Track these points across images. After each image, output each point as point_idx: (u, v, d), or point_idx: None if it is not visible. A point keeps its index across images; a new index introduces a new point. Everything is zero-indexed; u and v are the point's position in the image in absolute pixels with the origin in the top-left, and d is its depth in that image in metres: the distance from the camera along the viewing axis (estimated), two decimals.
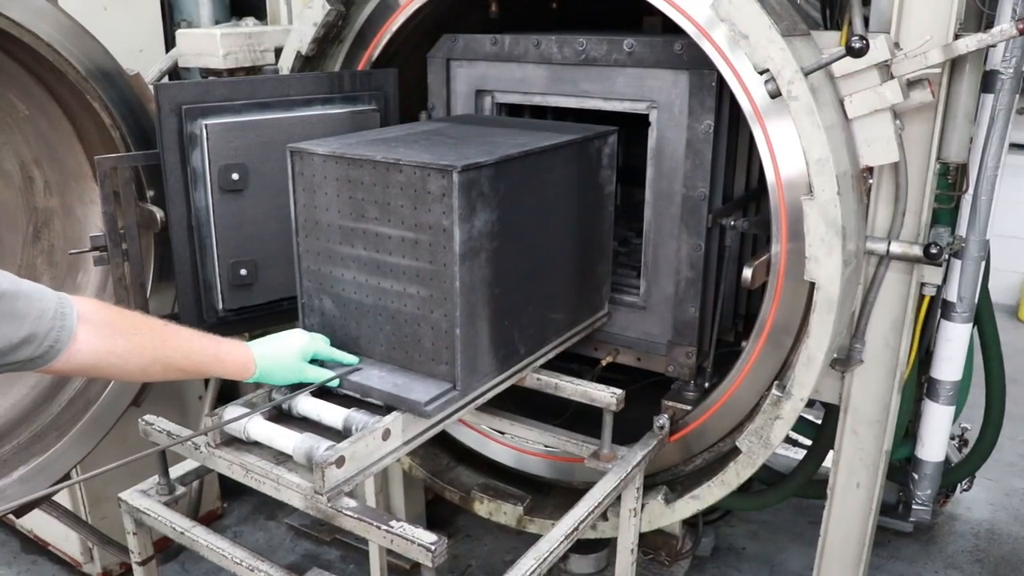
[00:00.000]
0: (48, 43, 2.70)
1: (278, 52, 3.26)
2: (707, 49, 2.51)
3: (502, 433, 3.35)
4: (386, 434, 2.18)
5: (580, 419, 3.07)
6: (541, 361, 2.74)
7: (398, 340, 2.39)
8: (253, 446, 2.24)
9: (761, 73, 2.30)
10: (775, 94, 2.28)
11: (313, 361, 2.34)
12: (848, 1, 2.73)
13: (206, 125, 2.74)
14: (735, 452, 2.72)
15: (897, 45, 2.47)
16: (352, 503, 2.05)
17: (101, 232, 2.82)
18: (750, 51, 2.28)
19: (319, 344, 2.37)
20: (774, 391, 2.55)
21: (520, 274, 2.49)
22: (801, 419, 3.97)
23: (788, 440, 3.81)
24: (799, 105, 2.26)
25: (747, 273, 2.57)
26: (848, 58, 2.29)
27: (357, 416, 2.23)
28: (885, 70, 2.47)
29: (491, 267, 2.33)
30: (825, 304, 2.37)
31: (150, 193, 3.01)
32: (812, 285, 2.44)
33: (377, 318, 2.41)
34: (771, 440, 2.58)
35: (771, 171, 2.51)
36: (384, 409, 2.30)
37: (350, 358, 2.40)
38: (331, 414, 2.26)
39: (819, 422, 3.43)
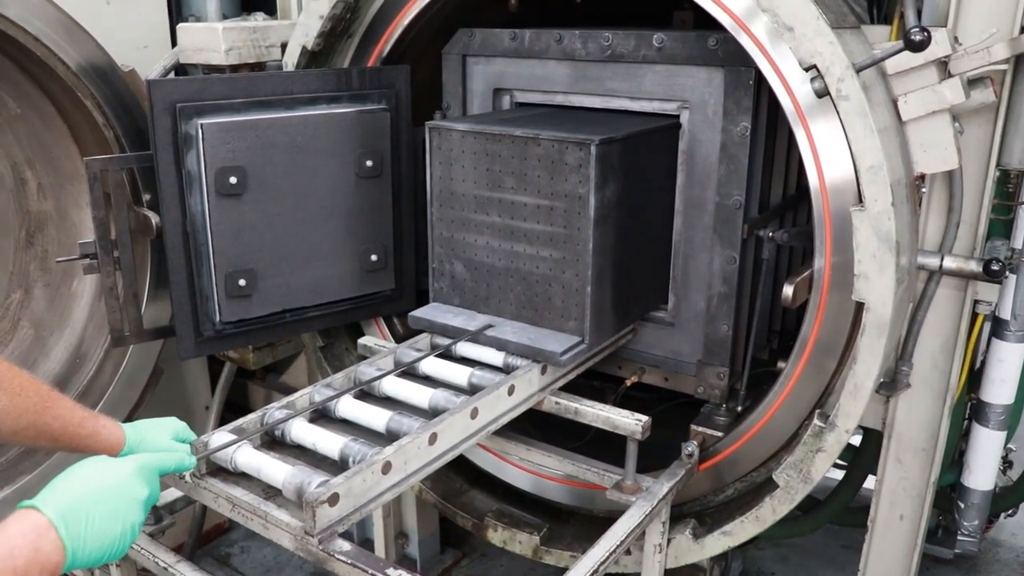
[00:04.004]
0: (35, 37, 2.53)
1: (285, 48, 3.06)
2: (745, 43, 2.28)
3: (519, 457, 3.14)
4: (386, 467, 1.97)
5: (603, 439, 2.85)
6: None
7: (528, 299, 2.62)
8: (241, 477, 2.04)
9: (807, 70, 2.07)
10: (822, 93, 2.05)
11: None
12: None
13: (202, 124, 2.55)
14: (770, 484, 2.48)
15: (956, 40, 2.23)
16: (346, 546, 1.85)
17: (91, 238, 2.64)
18: (795, 45, 2.05)
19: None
20: (816, 421, 2.31)
21: (630, 245, 2.64)
22: None
23: None
24: (850, 105, 2.02)
25: (788, 291, 2.34)
26: (905, 53, 2.05)
27: (355, 447, 2.03)
28: (943, 68, 2.23)
29: (614, 233, 2.54)
30: (875, 328, 2.14)
31: (146, 197, 2.83)
32: (860, 304, 2.20)
33: (508, 279, 2.64)
34: (812, 475, 2.34)
35: (815, 178, 2.28)
36: (386, 437, 2.11)
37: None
38: (327, 443, 2.07)
39: (857, 444, 3.21)
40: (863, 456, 3.13)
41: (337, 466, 2.03)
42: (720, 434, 2.67)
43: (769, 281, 2.79)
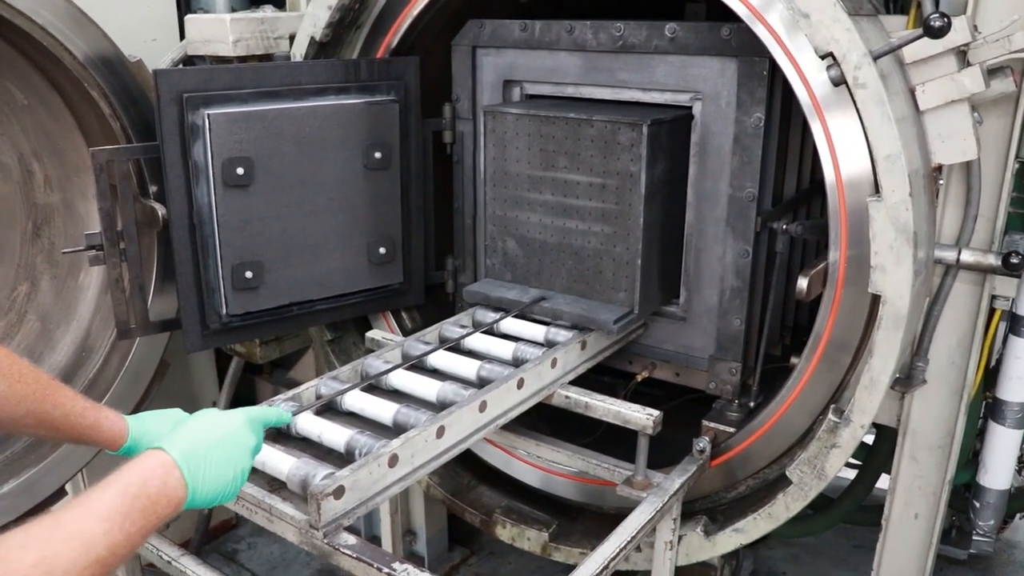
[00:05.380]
0: (43, 27, 2.51)
1: (294, 40, 3.03)
2: (761, 33, 2.24)
3: (528, 452, 3.11)
4: (393, 460, 1.94)
5: (613, 436, 2.82)
6: None
7: (579, 273, 2.77)
8: None
9: (823, 57, 2.03)
10: (839, 81, 2.01)
11: None
12: None
13: (209, 115, 2.53)
14: (784, 480, 2.44)
15: (975, 29, 2.19)
16: (351, 540, 1.82)
17: (98, 230, 2.62)
18: (811, 32, 2.00)
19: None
20: (831, 416, 2.27)
21: (668, 224, 2.74)
22: None
23: None
24: (867, 94, 1.98)
25: (802, 283, 2.30)
26: (923, 41, 2.01)
27: (361, 439, 2.00)
28: (962, 57, 2.19)
29: (661, 210, 2.67)
30: (892, 320, 2.09)
31: (153, 188, 2.80)
32: (876, 297, 2.16)
33: (560, 255, 2.79)
34: (826, 471, 2.30)
35: (831, 170, 2.24)
36: (393, 430, 2.08)
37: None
38: (333, 435, 2.04)
39: (870, 442, 3.16)
40: (877, 454, 3.09)
41: (343, 459, 2.00)
42: (732, 430, 2.64)
43: (783, 275, 2.75)
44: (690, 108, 2.68)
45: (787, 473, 2.38)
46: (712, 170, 2.65)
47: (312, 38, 2.85)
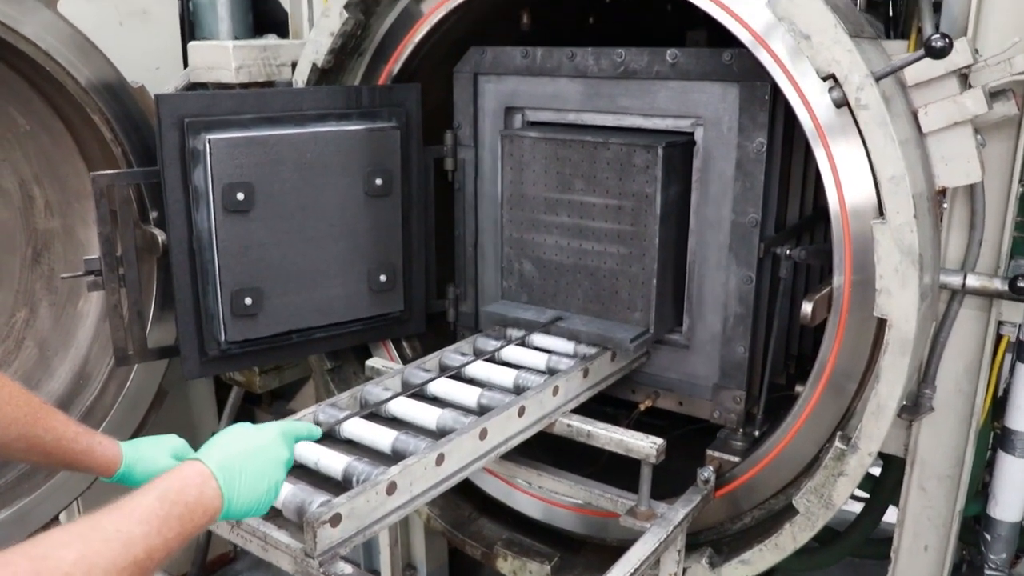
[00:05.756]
0: (46, 52, 2.52)
1: (296, 67, 3.04)
2: (764, 59, 2.23)
3: (529, 483, 3.06)
4: (391, 488, 1.90)
5: (616, 467, 2.77)
6: None
7: (595, 293, 2.81)
8: None
9: (825, 79, 2.02)
10: (841, 102, 2.00)
11: None
12: (916, 6, 2.46)
13: (209, 140, 2.52)
14: (790, 511, 2.39)
15: (976, 52, 2.18)
16: (348, 569, 1.79)
17: (97, 255, 2.61)
18: (812, 53, 2.00)
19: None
20: (837, 443, 2.23)
21: (679, 246, 2.77)
22: None
23: None
24: (869, 115, 1.97)
25: (807, 308, 2.27)
26: (925, 62, 2.00)
27: (359, 466, 1.96)
28: (963, 81, 2.18)
29: (675, 231, 2.72)
30: (898, 345, 2.06)
31: (153, 214, 2.80)
32: (881, 322, 2.13)
33: (576, 275, 2.83)
34: (833, 500, 2.25)
35: (834, 196, 2.21)
36: (392, 458, 2.04)
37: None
38: (330, 462, 2.00)
39: (876, 473, 3.11)
40: (884, 486, 3.04)
41: (340, 487, 1.96)
42: (737, 459, 2.59)
43: (786, 301, 2.72)
44: (692, 134, 2.67)
45: (793, 503, 2.33)
46: (714, 196, 2.63)
47: (314, 64, 2.85)
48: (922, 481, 2.67)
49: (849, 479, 2.21)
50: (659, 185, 2.59)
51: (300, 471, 2.04)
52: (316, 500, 1.82)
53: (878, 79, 1.95)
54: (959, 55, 2.05)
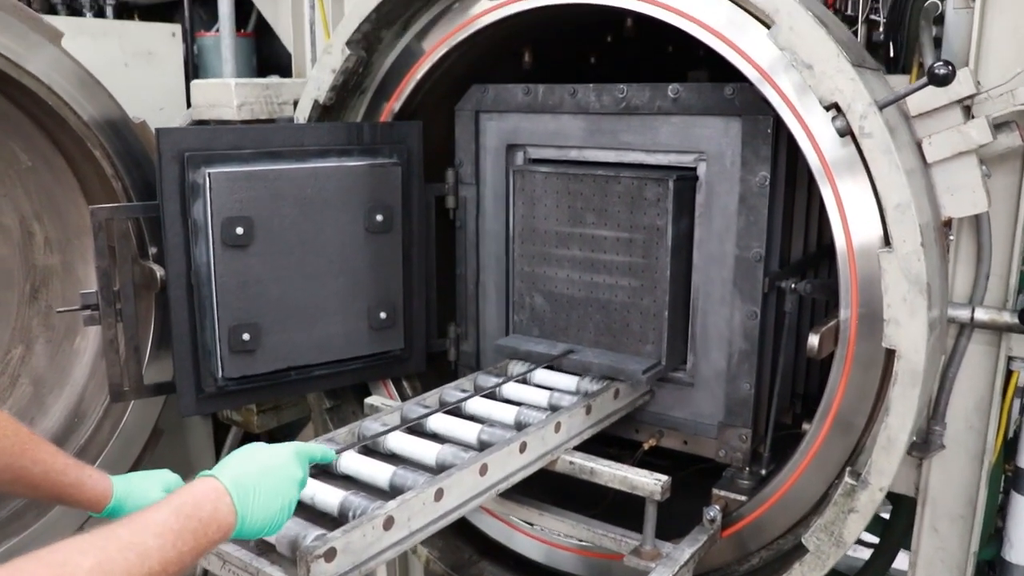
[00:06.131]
0: (48, 86, 2.53)
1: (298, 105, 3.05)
2: (770, 96, 2.21)
3: (531, 524, 2.98)
4: (388, 522, 1.85)
5: (619, 510, 2.71)
6: None
7: (607, 326, 2.80)
8: None
9: (828, 109, 2.01)
10: (844, 131, 1.99)
11: None
12: (916, 42, 2.48)
13: (209, 173, 2.52)
14: (799, 550, 2.32)
15: (978, 83, 2.18)
16: None
17: (94, 289, 2.58)
18: (815, 83, 1.99)
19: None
20: (847, 479, 2.17)
21: (687, 280, 2.75)
22: None
23: None
24: (873, 143, 1.95)
25: (813, 340, 2.23)
26: (927, 92, 2.01)
27: (355, 500, 1.91)
28: (967, 112, 2.18)
29: (685, 264, 2.72)
30: (908, 376, 2.02)
31: (152, 250, 2.79)
32: (890, 355, 2.09)
33: (588, 309, 2.83)
34: (844, 537, 2.18)
35: (842, 240, 2.17)
36: (389, 493, 1.98)
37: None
38: (325, 496, 1.94)
39: (887, 516, 3.04)
40: (894, 528, 2.97)
41: (336, 522, 1.90)
42: (744, 498, 2.52)
43: (792, 337, 2.68)
44: (694, 169, 2.66)
45: (803, 541, 2.26)
46: (718, 231, 2.61)
47: (316, 101, 2.86)
48: (934, 522, 2.61)
49: (860, 516, 2.14)
50: (670, 217, 2.60)
51: (298, 507, 1.98)
52: (311, 534, 1.76)
53: (881, 107, 1.94)
54: (962, 85, 2.05)
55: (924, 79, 1.91)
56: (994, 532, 2.83)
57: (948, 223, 2.29)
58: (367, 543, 1.80)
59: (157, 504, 1.40)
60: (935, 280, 2.05)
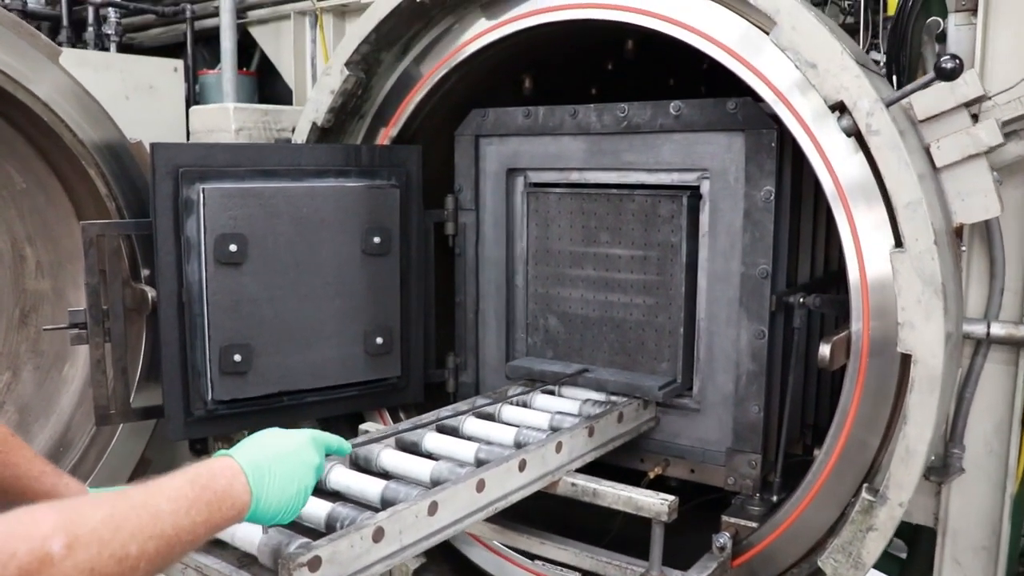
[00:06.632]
0: (44, 102, 2.50)
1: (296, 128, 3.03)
2: (785, 118, 2.16)
3: (531, 559, 2.85)
4: (378, 534, 1.74)
5: (624, 547, 2.58)
6: None
7: (622, 345, 2.79)
8: (214, 545, 1.80)
9: (833, 109, 1.97)
10: (851, 131, 1.94)
11: None
12: (919, 59, 2.46)
13: (203, 189, 2.47)
14: None
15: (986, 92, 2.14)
16: None
17: (83, 308, 2.51)
18: (819, 81, 1.95)
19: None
20: (864, 495, 2.05)
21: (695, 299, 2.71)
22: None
23: None
24: (881, 140, 1.90)
25: (824, 350, 2.14)
26: (935, 94, 1.96)
27: (344, 511, 1.80)
28: (975, 120, 2.13)
29: (695, 280, 2.67)
30: (926, 382, 1.92)
31: (145, 272, 2.72)
32: (905, 362, 2.00)
33: (602, 328, 2.82)
34: (863, 558, 2.06)
35: (855, 269, 2.11)
36: (381, 509, 1.88)
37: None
38: (312, 508, 1.84)
39: (903, 556, 2.92)
40: (912, 566, 2.84)
41: (323, 536, 1.79)
42: (755, 524, 2.40)
43: (800, 361, 2.59)
44: (698, 187, 2.62)
45: (820, 564, 2.13)
46: (723, 249, 2.55)
47: (314, 124, 2.83)
48: (956, 554, 2.49)
49: (879, 534, 2.02)
50: (684, 234, 2.60)
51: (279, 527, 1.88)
52: (294, 543, 1.65)
53: (888, 104, 1.89)
54: (969, 87, 2.01)
55: (931, 75, 1.87)
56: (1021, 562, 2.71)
57: (960, 232, 2.23)
58: (355, 554, 1.69)
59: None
60: (950, 285, 1.98)
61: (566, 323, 2.89)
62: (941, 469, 2.40)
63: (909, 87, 1.95)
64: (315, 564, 1.60)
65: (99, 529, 1.16)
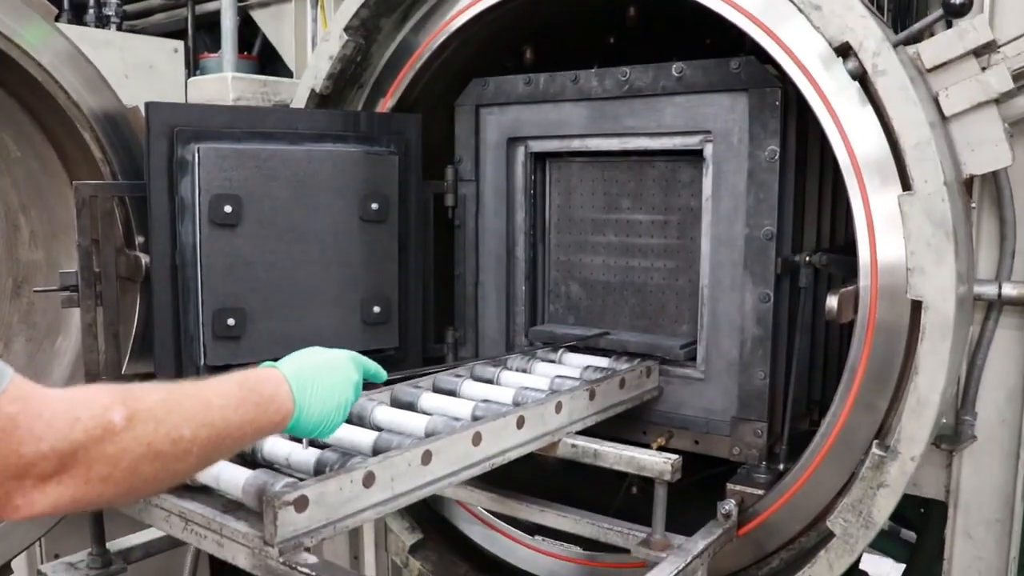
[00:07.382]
0: (38, 61, 2.47)
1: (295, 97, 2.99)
2: (806, 91, 2.09)
3: (531, 535, 2.78)
4: (368, 479, 1.68)
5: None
6: None
7: (642, 309, 2.85)
8: (200, 492, 1.75)
9: (838, 52, 1.92)
10: (857, 73, 1.89)
11: None
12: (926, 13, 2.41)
13: (198, 148, 2.43)
14: (824, 542, 2.12)
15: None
16: (311, 559, 1.54)
17: (74, 270, 2.47)
18: (823, 23, 1.91)
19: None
20: (874, 450, 1.98)
21: None
22: (889, 537, 3.34)
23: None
24: (888, 80, 1.85)
25: (832, 301, 2.07)
26: (943, 41, 1.92)
27: (333, 456, 1.75)
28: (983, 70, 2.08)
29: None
30: (937, 329, 1.86)
31: (139, 240, 2.68)
32: (916, 310, 1.93)
33: (623, 293, 2.88)
34: (874, 517, 1.99)
35: (866, 253, 2.06)
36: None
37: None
38: (302, 455, 1.79)
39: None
40: (923, 546, 2.77)
41: None
42: (760, 492, 2.33)
43: (808, 321, 2.53)
44: (701, 151, 2.57)
45: (828, 524, 2.05)
46: (726, 212, 2.49)
47: (313, 90, 2.79)
48: (968, 527, 2.42)
49: (891, 491, 1.95)
50: (703, 197, 2.60)
51: (267, 469, 1.83)
52: (280, 482, 1.60)
53: (895, 45, 1.84)
54: (978, 32, 1.96)
55: (940, 11, 1.82)
56: None
57: (969, 188, 2.17)
58: (344, 498, 1.64)
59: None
60: (960, 231, 1.92)
61: (587, 289, 2.95)
62: (953, 437, 2.33)
63: (916, 25, 1.90)
64: (301, 504, 1.55)
65: (155, 408, 1.22)
